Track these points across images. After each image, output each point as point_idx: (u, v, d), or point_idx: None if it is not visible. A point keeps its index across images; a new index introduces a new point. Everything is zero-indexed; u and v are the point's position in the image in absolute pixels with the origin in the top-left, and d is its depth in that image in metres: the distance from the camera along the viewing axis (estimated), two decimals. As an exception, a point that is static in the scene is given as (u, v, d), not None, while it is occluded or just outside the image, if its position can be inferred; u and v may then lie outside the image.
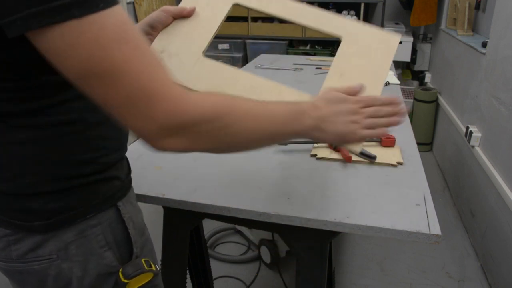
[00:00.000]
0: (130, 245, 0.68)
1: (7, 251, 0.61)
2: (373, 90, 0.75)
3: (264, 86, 0.77)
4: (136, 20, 3.28)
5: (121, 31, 0.47)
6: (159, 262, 1.09)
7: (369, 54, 0.78)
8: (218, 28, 0.82)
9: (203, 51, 0.81)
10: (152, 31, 0.83)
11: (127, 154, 0.72)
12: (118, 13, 0.47)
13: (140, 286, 0.68)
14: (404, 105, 0.72)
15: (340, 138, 0.67)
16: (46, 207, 0.59)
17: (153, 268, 0.70)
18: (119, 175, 0.67)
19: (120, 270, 0.66)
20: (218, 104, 0.54)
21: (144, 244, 0.72)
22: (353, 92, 0.71)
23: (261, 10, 0.85)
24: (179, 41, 0.81)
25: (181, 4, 0.84)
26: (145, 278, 0.69)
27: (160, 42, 0.81)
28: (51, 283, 0.62)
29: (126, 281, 0.66)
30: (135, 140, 1.21)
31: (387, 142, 1.16)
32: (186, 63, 0.79)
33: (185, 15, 0.83)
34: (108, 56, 0.45)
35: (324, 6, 3.68)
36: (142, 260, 0.69)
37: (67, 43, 0.44)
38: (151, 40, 0.82)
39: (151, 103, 0.48)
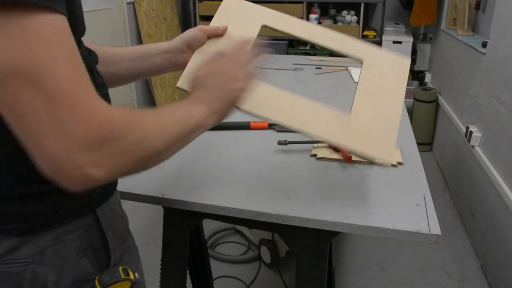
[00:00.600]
0: (108, 253, 0.67)
1: None
2: (394, 109, 0.84)
3: (302, 105, 0.83)
4: (136, 21, 3.29)
5: (57, 35, 0.43)
6: (159, 262, 1.10)
7: (387, 76, 0.87)
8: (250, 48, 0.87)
9: None
10: (188, 49, 0.85)
11: None
12: (59, 19, 0.44)
13: None
14: (248, 46, 0.79)
15: (235, 100, 0.71)
16: (21, 211, 0.58)
17: (131, 276, 0.68)
18: None
19: (97, 277, 0.65)
20: (133, 117, 0.52)
21: (124, 251, 0.71)
22: (217, 57, 0.73)
23: (287, 32, 0.91)
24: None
25: (213, 23, 0.87)
26: (123, 287, 0.67)
27: (197, 60, 0.84)
28: (26, 286, 0.61)
29: None
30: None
31: (387, 142, 1.16)
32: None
33: (220, 34, 0.86)
34: (35, 52, 0.40)
35: (324, 6, 3.68)
36: (120, 268, 0.67)
37: None
38: (185, 59, 0.85)
39: (74, 117, 0.42)
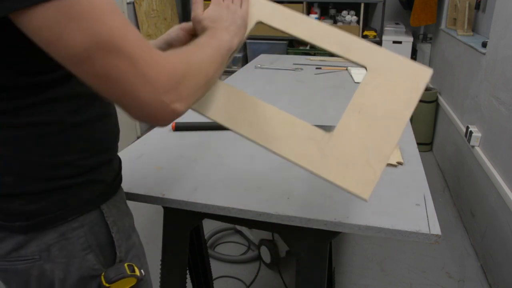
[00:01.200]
0: (113, 249, 0.67)
1: None
2: (391, 134, 0.70)
3: (277, 117, 0.73)
4: (136, 20, 3.29)
5: (110, 4, 0.47)
6: (159, 262, 1.10)
7: (394, 90, 0.71)
8: (239, 47, 0.79)
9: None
10: (169, 48, 0.80)
11: (127, 155, 0.72)
12: None
13: None
14: None
15: (243, 23, 0.76)
16: (26, 208, 0.58)
17: (137, 273, 0.69)
18: (103, 178, 0.66)
19: (102, 274, 0.65)
20: (182, 56, 0.57)
21: (129, 248, 0.71)
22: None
23: (284, 31, 0.79)
24: None
25: None
26: (128, 283, 0.68)
27: None
28: (34, 283, 0.62)
29: (107, 285, 0.65)
30: (135, 140, 1.21)
31: (387, 142, 1.15)
32: (217, 93, 0.75)
33: None
34: (107, 24, 0.45)
35: (324, 6, 3.68)
36: (126, 264, 0.68)
37: (60, 18, 0.43)
38: None
39: (153, 69, 0.49)
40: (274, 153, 0.71)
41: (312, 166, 0.69)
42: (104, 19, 0.45)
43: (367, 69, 0.74)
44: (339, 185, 0.69)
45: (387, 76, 0.72)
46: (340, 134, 0.70)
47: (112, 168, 0.70)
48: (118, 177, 0.72)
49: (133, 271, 0.68)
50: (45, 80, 0.54)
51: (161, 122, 0.53)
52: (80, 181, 0.62)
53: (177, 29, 0.81)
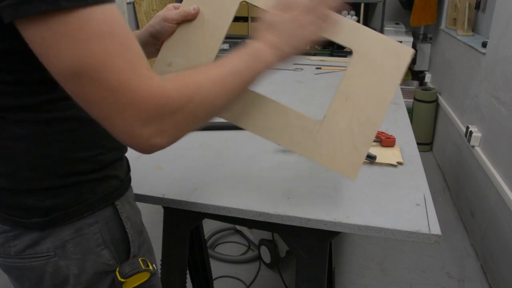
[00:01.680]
0: (127, 244, 0.68)
1: (6, 247, 0.61)
2: (375, 118, 0.75)
3: (272, 109, 0.77)
4: (136, 20, 3.28)
5: (107, 27, 0.46)
6: (159, 262, 1.10)
7: (378, 73, 0.75)
8: (226, 33, 0.77)
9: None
10: (155, 40, 0.80)
11: (127, 154, 0.72)
12: (108, 10, 0.47)
13: (137, 285, 0.68)
14: None
15: (300, 48, 0.69)
16: (43, 204, 0.59)
17: (150, 267, 0.70)
18: (117, 174, 0.67)
19: (117, 269, 0.66)
20: (188, 86, 0.54)
21: (142, 243, 0.72)
22: (282, 4, 0.70)
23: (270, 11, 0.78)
24: (186, 52, 0.76)
25: (183, 5, 0.77)
26: (142, 278, 0.69)
27: (166, 54, 0.77)
28: (48, 280, 0.62)
29: (122, 280, 0.66)
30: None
31: (387, 142, 1.16)
32: None
33: (189, 19, 0.76)
34: (91, 49, 0.45)
35: (324, 6, 3.68)
36: (139, 259, 0.69)
37: (50, 34, 0.44)
38: (156, 49, 0.79)
39: (133, 100, 0.48)
40: (272, 141, 0.76)
41: (305, 152, 0.77)
42: (92, 42, 0.45)
43: (353, 51, 0.76)
44: (328, 167, 0.77)
45: (371, 59, 0.75)
46: (329, 121, 0.76)
47: (124, 164, 0.71)
48: (129, 174, 0.73)
49: (147, 265, 0.69)
50: None
51: (141, 152, 0.52)
52: (96, 177, 0.63)
53: (160, 21, 0.77)
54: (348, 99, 0.76)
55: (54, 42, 0.44)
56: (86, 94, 0.47)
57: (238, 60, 0.61)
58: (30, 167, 0.58)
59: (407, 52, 0.75)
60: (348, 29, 0.75)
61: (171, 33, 0.77)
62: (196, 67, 0.58)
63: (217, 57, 0.75)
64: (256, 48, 0.64)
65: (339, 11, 0.71)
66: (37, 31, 0.44)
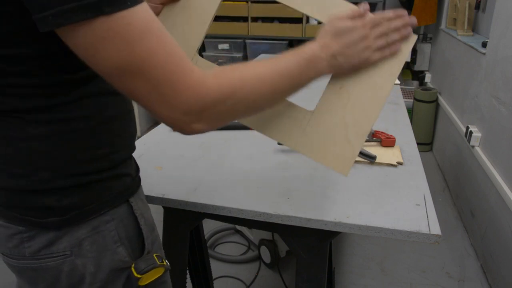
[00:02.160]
0: (141, 241, 0.69)
1: (20, 248, 0.61)
2: (372, 110, 0.70)
3: None
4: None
5: (146, 26, 0.49)
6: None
7: (376, 64, 0.70)
8: (213, 16, 0.74)
9: (197, 49, 0.75)
10: None
11: None
12: (144, 10, 0.49)
13: (152, 281, 0.69)
14: (408, 16, 0.69)
15: (356, 68, 0.69)
16: (61, 203, 0.59)
17: (164, 263, 0.71)
18: (129, 171, 0.68)
19: (133, 265, 0.67)
20: (231, 81, 0.56)
21: (154, 240, 0.73)
22: (359, 15, 0.68)
23: None
24: (171, 34, 0.74)
25: None
26: (157, 273, 0.69)
27: None
28: (64, 279, 0.62)
29: (139, 276, 0.66)
30: (136, 140, 1.21)
31: (387, 142, 1.16)
32: None
33: (176, 0, 0.76)
34: (135, 50, 0.48)
35: (324, 6, 3.68)
36: (154, 255, 0.70)
37: (96, 38, 0.46)
38: None
39: (175, 92, 0.51)
40: (259, 131, 0.74)
41: (294, 144, 0.73)
42: (136, 42, 0.48)
43: None
44: (320, 162, 0.72)
45: None
46: (320, 112, 0.72)
47: (133, 162, 0.72)
48: (138, 172, 0.73)
49: (162, 261, 0.70)
50: (79, 77, 0.57)
51: (184, 133, 0.56)
52: (111, 175, 0.63)
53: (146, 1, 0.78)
54: (342, 88, 0.71)
55: (100, 46, 0.47)
56: (133, 90, 0.51)
57: (293, 63, 0.62)
58: (47, 167, 0.58)
59: (410, 39, 0.70)
60: (341, 7, 0.72)
61: (156, 13, 0.75)
62: (247, 63, 0.59)
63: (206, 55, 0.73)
64: (314, 54, 0.64)
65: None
66: (82, 37, 0.46)
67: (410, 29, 0.69)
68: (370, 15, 0.68)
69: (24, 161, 0.57)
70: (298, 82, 0.63)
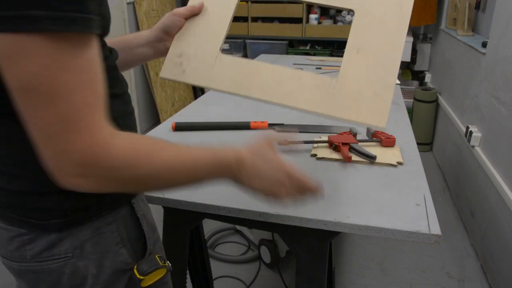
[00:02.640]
0: (143, 242, 0.69)
1: (21, 251, 0.61)
2: (391, 63, 0.75)
3: (284, 75, 0.78)
4: (136, 21, 3.28)
5: (80, 61, 0.46)
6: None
7: (383, 23, 0.76)
8: (230, 21, 0.83)
9: (220, 48, 0.81)
10: (166, 36, 0.85)
11: None
12: (88, 43, 0.47)
13: (153, 282, 0.69)
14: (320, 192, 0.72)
15: (260, 195, 0.68)
16: (62, 205, 0.59)
17: (166, 264, 0.71)
18: None
19: (135, 266, 0.67)
20: (138, 157, 0.53)
21: (156, 241, 0.73)
22: (287, 143, 0.73)
23: None
24: (195, 42, 0.82)
25: (190, 3, 0.84)
26: (159, 274, 0.69)
27: (177, 45, 0.82)
28: (66, 281, 0.62)
29: (141, 277, 0.66)
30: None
31: (387, 142, 1.16)
32: (206, 64, 0.80)
33: (196, 13, 0.83)
34: (55, 78, 0.45)
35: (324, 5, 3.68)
36: (156, 256, 0.70)
37: (23, 51, 0.44)
38: (166, 46, 0.85)
39: (72, 138, 0.47)
40: (290, 107, 0.76)
41: (327, 110, 0.75)
42: (58, 70, 0.45)
43: (355, 11, 0.79)
44: (355, 120, 0.74)
45: (374, 13, 0.77)
46: (344, 75, 0.76)
47: None
48: None
49: (164, 262, 0.70)
50: None
51: (59, 183, 0.51)
52: None
53: (170, 15, 0.83)
54: (359, 51, 0.76)
55: (23, 60, 0.44)
56: (31, 115, 0.47)
57: (202, 162, 0.60)
58: (46, 170, 0.58)
59: (407, 1, 0.76)
60: None
61: (180, 27, 0.83)
62: (163, 141, 0.57)
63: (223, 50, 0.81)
64: (228, 162, 0.63)
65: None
66: (10, 45, 0.43)
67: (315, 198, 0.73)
68: (299, 175, 0.69)
69: (25, 163, 0.57)
70: (200, 179, 0.62)
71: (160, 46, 0.86)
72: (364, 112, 0.74)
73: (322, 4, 0.81)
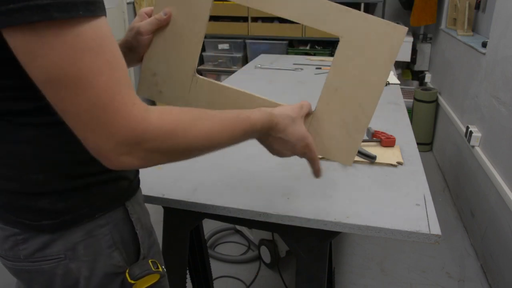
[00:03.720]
0: (137, 246, 0.68)
1: (15, 250, 0.61)
2: (369, 104, 0.73)
3: (261, 104, 0.76)
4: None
5: (97, 42, 0.46)
6: (159, 262, 1.10)
7: (369, 58, 0.71)
8: (203, 35, 0.76)
9: (194, 69, 0.77)
10: (135, 55, 0.79)
11: None
12: (100, 25, 0.47)
13: (147, 287, 0.68)
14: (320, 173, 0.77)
15: (272, 152, 0.73)
16: (54, 207, 0.59)
17: (160, 269, 0.70)
18: (127, 175, 0.67)
19: (127, 270, 0.66)
20: (176, 122, 0.53)
21: (151, 245, 0.72)
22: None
23: (243, 4, 0.74)
24: (167, 59, 0.77)
25: (155, 11, 0.75)
26: (152, 279, 0.68)
27: (148, 64, 0.77)
28: (58, 282, 0.62)
29: (132, 281, 0.65)
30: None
31: (387, 142, 1.16)
32: (182, 87, 0.78)
33: (164, 25, 0.75)
34: (77, 63, 0.45)
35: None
36: (149, 261, 0.69)
37: (40, 43, 0.44)
38: (136, 60, 0.79)
39: (110, 120, 0.47)
40: None
41: None
42: (79, 56, 0.45)
43: (340, 38, 0.72)
44: (323, 156, 0.77)
45: (360, 44, 0.71)
46: (320, 113, 0.76)
47: None
48: (138, 175, 0.73)
49: (157, 267, 0.69)
50: None
51: (109, 166, 0.51)
52: (107, 178, 0.63)
53: (135, 36, 0.76)
54: (338, 90, 0.74)
55: (42, 52, 0.44)
56: (63, 106, 0.47)
57: (240, 129, 0.63)
58: (39, 170, 0.57)
59: (400, 31, 0.70)
60: (333, 14, 0.71)
61: (147, 45, 0.76)
62: (198, 111, 0.58)
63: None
64: (262, 128, 0.67)
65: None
66: (25, 40, 0.44)
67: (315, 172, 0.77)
68: (311, 151, 0.74)
69: (17, 164, 0.57)
70: (233, 144, 0.64)
71: (128, 59, 0.77)
72: (334, 151, 0.77)
73: (307, 24, 0.73)
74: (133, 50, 0.78)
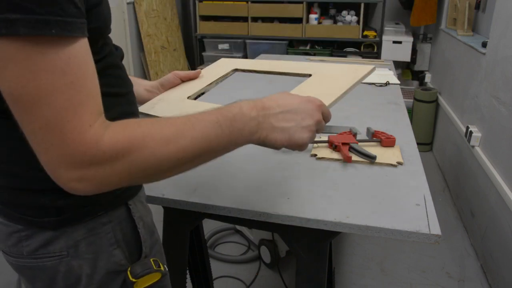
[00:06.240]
0: (139, 244, 0.69)
1: (18, 247, 0.61)
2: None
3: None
4: (136, 21, 3.29)
5: (64, 62, 0.45)
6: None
7: (331, 81, 0.79)
8: (211, 83, 0.97)
9: (189, 96, 0.94)
10: (161, 88, 1.00)
11: None
12: (74, 45, 0.46)
13: (148, 286, 0.68)
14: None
15: (284, 145, 0.63)
16: (56, 204, 0.59)
17: (162, 268, 0.70)
18: None
19: (129, 269, 0.66)
20: (130, 139, 0.49)
21: (153, 244, 0.72)
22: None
23: (253, 69, 1.05)
24: (174, 91, 0.99)
25: (191, 72, 1.02)
26: (153, 278, 0.69)
27: (163, 94, 0.98)
28: (61, 279, 0.62)
29: (134, 280, 0.66)
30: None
31: (387, 142, 1.16)
32: (171, 104, 0.93)
33: (192, 78, 1.02)
34: (37, 81, 0.44)
35: (324, 6, 3.68)
36: (151, 260, 0.69)
37: (5, 57, 0.43)
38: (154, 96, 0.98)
39: (62, 142, 0.46)
40: None
41: None
42: (39, 74, 0.44)
43: (312, 74, 0.85)
44: None
45: (326, 75, 0.82)
46: None
47: None
48: None
49: (159, 266, 0.69)
50: None
51: (63, 187, 0.49)
52: None
53: (171, 74, 1.01)
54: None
55: (6, 65, 0.44)
56: (21, 121, 0.47)
57: (211, 123, 0.55)
58: (41, 168, 0.58)
59: (368, 67, 0.79)
60: (314, 68, 0.87)
61: (175, 84, 1.01)
62: (156, 119, 0.53)
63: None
64: (242, 112, 0.57)
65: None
66: None
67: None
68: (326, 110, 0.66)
69: (18, 161, 0.57)
70: (217, 145, 0.56)
71: (151, 95, 0.99)
72: None
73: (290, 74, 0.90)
74: (164, 84, 1.00)
